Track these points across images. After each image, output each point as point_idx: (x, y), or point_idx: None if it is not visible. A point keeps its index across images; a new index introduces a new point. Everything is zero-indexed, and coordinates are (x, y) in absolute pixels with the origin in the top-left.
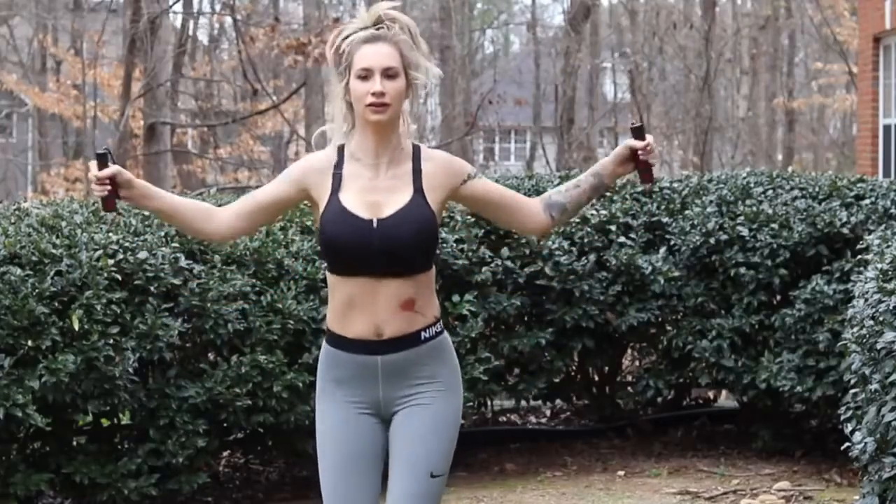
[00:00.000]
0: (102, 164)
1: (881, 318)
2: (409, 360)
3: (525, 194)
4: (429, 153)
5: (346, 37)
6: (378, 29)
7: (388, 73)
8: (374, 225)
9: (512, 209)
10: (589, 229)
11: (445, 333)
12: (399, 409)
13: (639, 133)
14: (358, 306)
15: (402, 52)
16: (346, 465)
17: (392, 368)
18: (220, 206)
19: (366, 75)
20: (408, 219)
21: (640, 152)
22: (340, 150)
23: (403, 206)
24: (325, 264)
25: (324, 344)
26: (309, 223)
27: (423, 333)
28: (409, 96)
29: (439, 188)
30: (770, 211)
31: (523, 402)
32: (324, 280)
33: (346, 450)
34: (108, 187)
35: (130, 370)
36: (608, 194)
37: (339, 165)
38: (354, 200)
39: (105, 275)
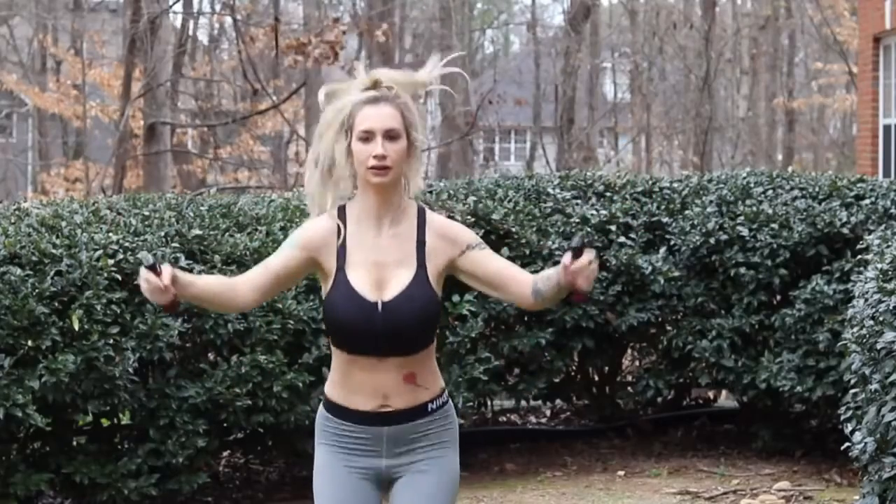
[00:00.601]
0: (156, 272)
1: (881, 318)
2: (415, 430)
3: (525, 195)
4: (433, 220)
5: (346, 99)
6: (378, 90)
7: (390, 135)
8: (379, 308)
9: (504, 289)
10: (589, 229)
11: (450, 401)
12: (399, 475)
13: (576, 252)
14: (362, 381)
15: (404, 113)
16: None
17: (397, 439)
18: (221, 205)
19: (367, 137)
20: (411, 301)
21: (568, 271)
22: (342, 211)
23: (407, 286)
24: (329, 336)
25: (321, 410)
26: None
27: (429, 405)
28: (410, 156)
29: (440, 259)
30: (770, 211)
31: (523, 402)
32: None
33: None
34: (172, 294)
35: (130, 370)
36: (608, 194)
37: (342, 232)
38: (360, 275)
39: (105, 275)
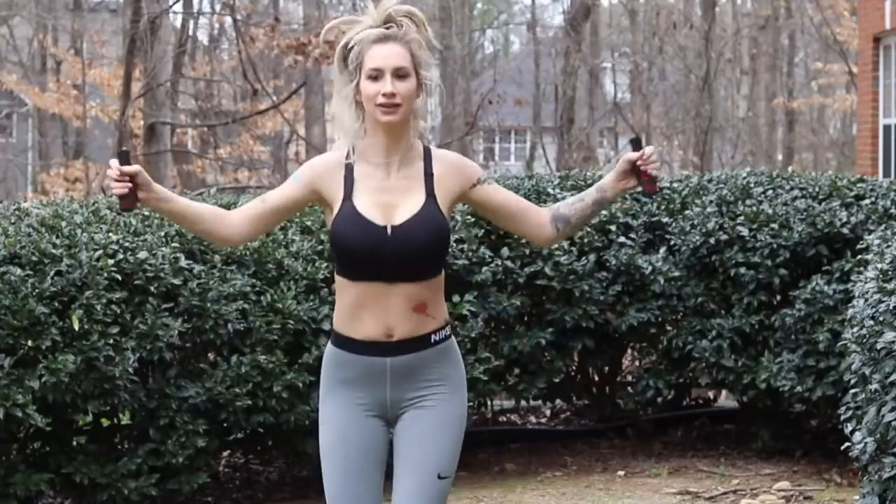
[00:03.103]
0: (124, 161)
1: (881, 318)
2: (418, 362)
3: (525, 195)
4: (439, 154)
5: (356, 36)
6: (388, 27)
7: (399, 74)
8: (389, 232)
9: (520, 218)
10: (589, 229)
11: (452, 336)
12: (405, 410)
13: (637, 145)
14: (368, 308)
15: (413, 51)
16: (352, 466)
17: (401, 370)
18: (220, 205)
19: (376, 76)
20: (421, 225)
21: (638, 162)
22: (350, 150)
23: (416, 211)
24: (335, 265)
25: (329, 345)
26: (309, 223)
27: (433, 336)
28: (419, 95)
29: (450, 191)
30: (770, 211)
31: (523, 402)
32: (324, 280)
33: (353, 450)
34: (129, 184)
35: (130, 370)
36: None
37: (349, 166)
38: (367, 204)
39: (105, 275)
